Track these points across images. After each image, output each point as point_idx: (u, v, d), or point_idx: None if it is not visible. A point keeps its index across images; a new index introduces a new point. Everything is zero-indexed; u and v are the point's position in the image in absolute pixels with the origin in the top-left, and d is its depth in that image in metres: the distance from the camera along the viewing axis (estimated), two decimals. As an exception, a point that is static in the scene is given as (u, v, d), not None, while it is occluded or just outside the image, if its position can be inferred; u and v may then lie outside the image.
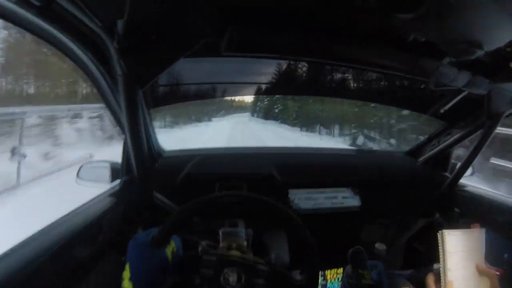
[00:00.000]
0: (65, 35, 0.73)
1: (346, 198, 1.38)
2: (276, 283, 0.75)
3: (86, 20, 0.64)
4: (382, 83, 1.37)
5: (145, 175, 0.97)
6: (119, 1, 0.59)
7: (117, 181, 1.16)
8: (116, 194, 1.08)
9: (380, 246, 1.08)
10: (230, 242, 0.86)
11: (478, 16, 0.64)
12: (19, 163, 2.16)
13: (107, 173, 1.18)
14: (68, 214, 0.88)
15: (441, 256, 0.78)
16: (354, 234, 1.40)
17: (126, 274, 0.66)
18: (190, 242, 0.89)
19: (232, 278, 0.69)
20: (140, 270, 0.67)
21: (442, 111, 1.42)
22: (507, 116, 1.28)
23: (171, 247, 0.72)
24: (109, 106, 0.99)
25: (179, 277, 0.75)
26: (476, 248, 0.88)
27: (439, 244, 0.78)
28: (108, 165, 1.18)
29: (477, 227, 0.88)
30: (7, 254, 0.65)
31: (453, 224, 1.41)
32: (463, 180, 1.49)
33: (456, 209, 1.46)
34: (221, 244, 0.87)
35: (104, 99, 0.97)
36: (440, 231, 0.78)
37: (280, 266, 0.79)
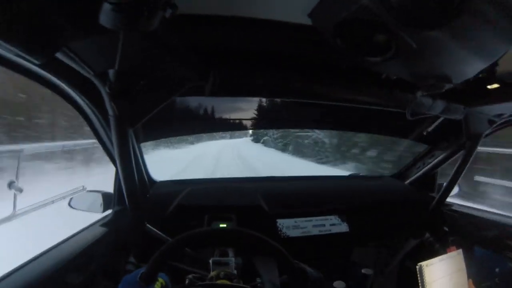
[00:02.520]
0: (63, 82, 0.78)
1: (333, 225, 1.39)
2: None
3: (80, 69, 0.69)
4: (362, 112, 1.42)
5: (136, 206, 0.98)
6: (110, 53, 0.64)
7: (109, 211, 1.17)
8: (108, 224, 1.09)
9: (367, 271, 1.08)
10: (220, 271, 0.87)
11: (442, 56, 0.68)
12: (15, 196, 2.20)
13: (99, 203, 1.19)
14: (60, 243, 0.89)
15: None
16: (345, 258, 1.40)
17: None
18: (178, 273, 0.90)
19: None
20: None
21: (424, 133, 1.48)
22: (487, 135, 1.33)
23: (159, 282, 0.73)
24: (101, 142, 1.03)
25: None
26: (456, 269, 0.91)
27: (418, 278, 0.81)
28: (100, 195, 1.20)
29: (454, 249, 0.90)
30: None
31: (443, 243, 1.43)
32: (449, 199, 1.53)
33: (445, 228, 1.49)
34: (211, 273, 0.88)
35: (96, 136, 1.01)
36: (418, 265, 0.81)
37: None
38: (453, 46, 0.63)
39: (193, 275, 0.82)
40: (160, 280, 0.72)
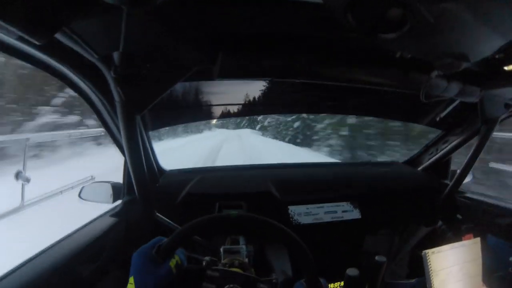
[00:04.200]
0: (65, 67, 0.76)
1: (345, 212, 1.37)
2: None
3: (83, 52, 0.67)
4: (374, 97, 1.38)
5: (146, 195, 0.98)
6: (114, 34, 0.62)
7: (119, 201, 1.18)
8: (118, 214, 1.09)
9: (380, 259, 1.06)
10: (232, 259, 0.86)
11: (460, 32, 0.65)
12: (23, 186, 2.22)
13: (108, 194, 1.19)
14: (70, 234, 0.90)
15: (426, 277, 0.78)
16: (357, 246, 1.39)
17: (131, 287, 0.66)
18: (189, 261, 0.90)
19: None
20: (145, 283, 0.67)
21: (437, 119, 1.44)
22: (503, 120, 1.29)
23: (175, 260, 0.72)
24: (108, 131, 1.02)
25: None
26: (470, 259, 0.88)
27: (424, 265, 0.79)
28: (109, 185, 1.20)
29: (470, 237, 0.87)
30: (10, 273, 0.67)
31: (456, 230, 1.40)
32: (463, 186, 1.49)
33: (458, 216, 1.46)
34: (222, 261, 0.87)
35: (103, 124, 1.00)
36: (424, 252, 0.79)
37: (281, 284, 0.79)
38: (471, 21, 0.60)
39: (211, 257, 0.82)
40: (176, 257, 0.71)
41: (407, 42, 0.69)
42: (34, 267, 0.71)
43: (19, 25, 0.45)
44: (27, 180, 2.18)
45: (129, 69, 0.69)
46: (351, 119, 9.67)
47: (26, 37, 0.47)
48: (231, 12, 0.70)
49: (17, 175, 2.15)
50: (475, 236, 1.03)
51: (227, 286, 0.71)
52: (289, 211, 1.33)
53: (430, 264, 0.85)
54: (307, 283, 0.71)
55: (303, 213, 1.33)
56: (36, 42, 0.49)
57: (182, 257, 0.75)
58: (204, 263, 0.81)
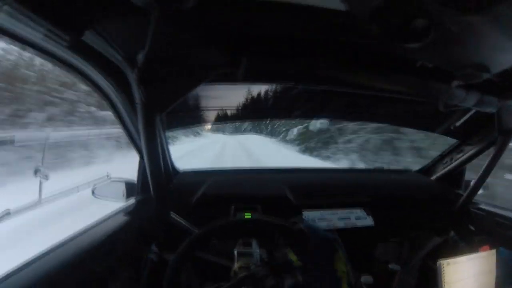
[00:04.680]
0: (88, 67, 0.78)
1: (359, 219, 1.37)
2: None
3: (107, 52, 0.68)
4: (391, 104, 1.38)
5: (161, 195, 0.99)
6: (138, 36, 0.63)
7: (132, 199, 1.19)
8: (131, 212, 1.10)
9: (394, 267, 1.06)
10: (245, 262, 0.87)
11: (482, 42, 0.65)
12: (41, 182, 2.26)
13: (121, 191, 1.21)
14: (82, 230, 0.91)
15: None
16: (368, 253, 1.38)
17: None
18: (204, 263, 0.91)
19: None
20: None
21: (452, 128, 1.42)
22: None
23: None
24: (126, 130, 1.03)
25: None
26: (484, 270, 0.86)
27: (438, 276, 0.78)
28: (123, 183, 1.22)
29: (487, 249, 0.86)
30: (23, 268, 0.68)
31: (469, 242, 1.38)
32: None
33: (471, 227, 1.43)
34: (235, 264, 0.88)
35: (121, 123, 1.02)
36: (439, 262, 0.78)
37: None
38: (493, 33, 0.60)
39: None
40: None
41: (429, 51, 0.69)
42: (46, 263, 0.72)
43: (49, 24, 0.46)
44: (46, 177, 2.21)
45: (152, 70, 0.70)
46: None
47: (55, 37, 0.48)
48: (256, 17, 0.71)
49: (36, 172, 2.17)
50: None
51: None
52: (304, 216, 1.33)
53: (444, 276, 0.83)
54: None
55: (317, 219, 1.33)
56: (64, 42, 0.50)
57: None
58: None
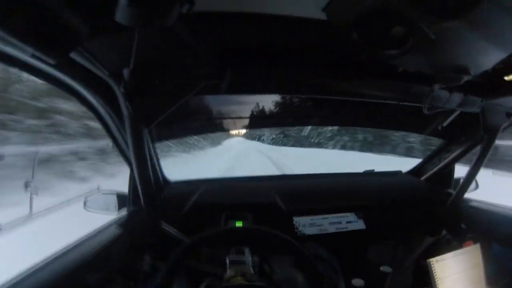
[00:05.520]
0: (76, 83, 0.78)
1: (350, 223, 1.38)
2: None
3: (94, 69, 0.69)
4: (377, 109, 1.40)
5: (151, 205, 0.99)
6: (124, 52, 0.64)
7: (124, 211, 1.18)
8: (123, 224, 1.09)
9: (385, 269, 1.07)
10: (237, 270, 0.87)
11: (461, 46, 0.67)
12: (31, 196, 2.22)
13: (113, 203, 1.21)
14: (75, 243, 0.90)
15: (432, 285, 0.79)
16: (361, 256, 1.39)
17: None
18: (195, 272, 0.90)
19: None
20: None
21: (440, 129, 1.45)
22: (505, 128, 1.30)
23: None
24: (115, 143, 1.04)
25: None
26: (472, 264, 0.89)
27: (430, 274, 0.80)
28: (114, 195, 1.21)
29: (470, 244, 0.89)
30: (17, 283, 0.66)
31: (461, 240, 1.40)
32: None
33: (462, 225, 1.45)
34: (228, 272, 0.87)
35: (111, 136, 1.02)
36: (428, 260, 0.80)
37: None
38: (472, 36, 0.62)
39: (210, 279, 0.83)
40: None
41: (409, 57, 0.71)
42: (39, 278, 0.71)
43: (35, 45, 0.46)
44: (36, 191, 2.18)
45: (138, 85, 0.71)
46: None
47: (42, 57, 0.49)
48: (239, 28, 0.72)
49: (26, 185, 2.14)
50: (480, 245, 1.04)
51: None
52: (294, 222, 1.33)
53: (435, 272, 0.86)
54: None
55: (308, 224, 1.34)
56: (51, 62, 0.51)
57: None
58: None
